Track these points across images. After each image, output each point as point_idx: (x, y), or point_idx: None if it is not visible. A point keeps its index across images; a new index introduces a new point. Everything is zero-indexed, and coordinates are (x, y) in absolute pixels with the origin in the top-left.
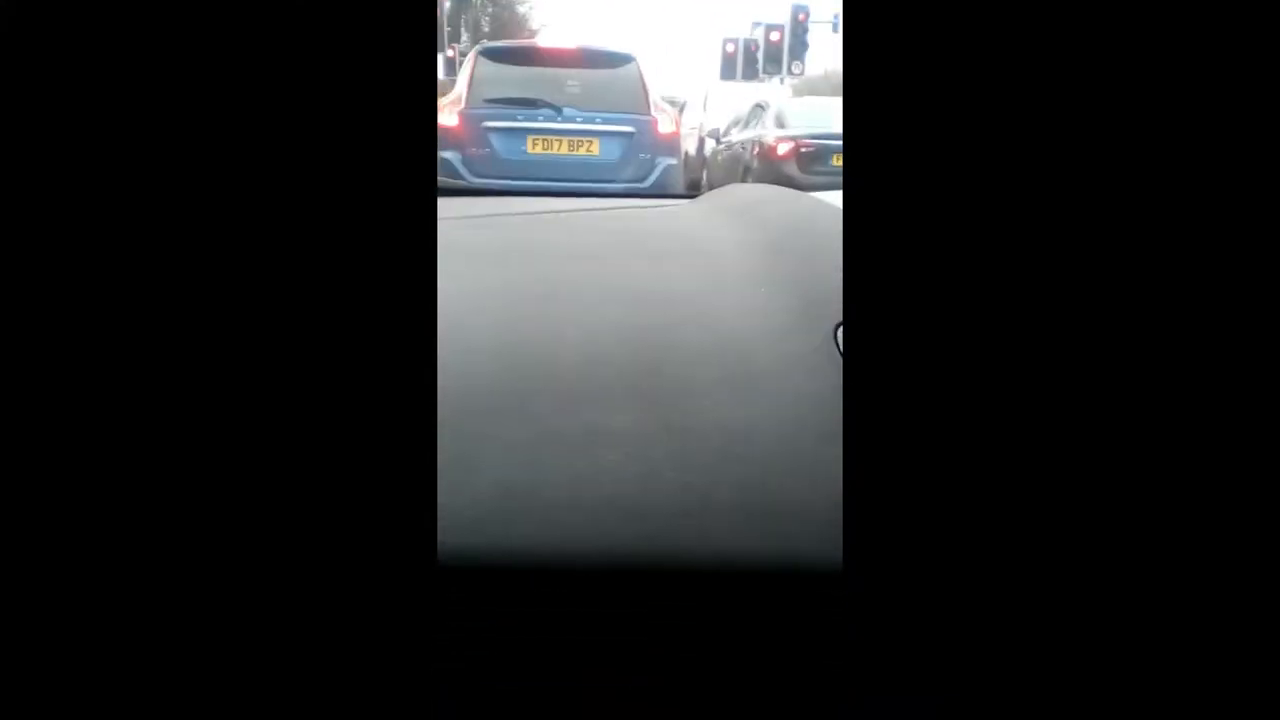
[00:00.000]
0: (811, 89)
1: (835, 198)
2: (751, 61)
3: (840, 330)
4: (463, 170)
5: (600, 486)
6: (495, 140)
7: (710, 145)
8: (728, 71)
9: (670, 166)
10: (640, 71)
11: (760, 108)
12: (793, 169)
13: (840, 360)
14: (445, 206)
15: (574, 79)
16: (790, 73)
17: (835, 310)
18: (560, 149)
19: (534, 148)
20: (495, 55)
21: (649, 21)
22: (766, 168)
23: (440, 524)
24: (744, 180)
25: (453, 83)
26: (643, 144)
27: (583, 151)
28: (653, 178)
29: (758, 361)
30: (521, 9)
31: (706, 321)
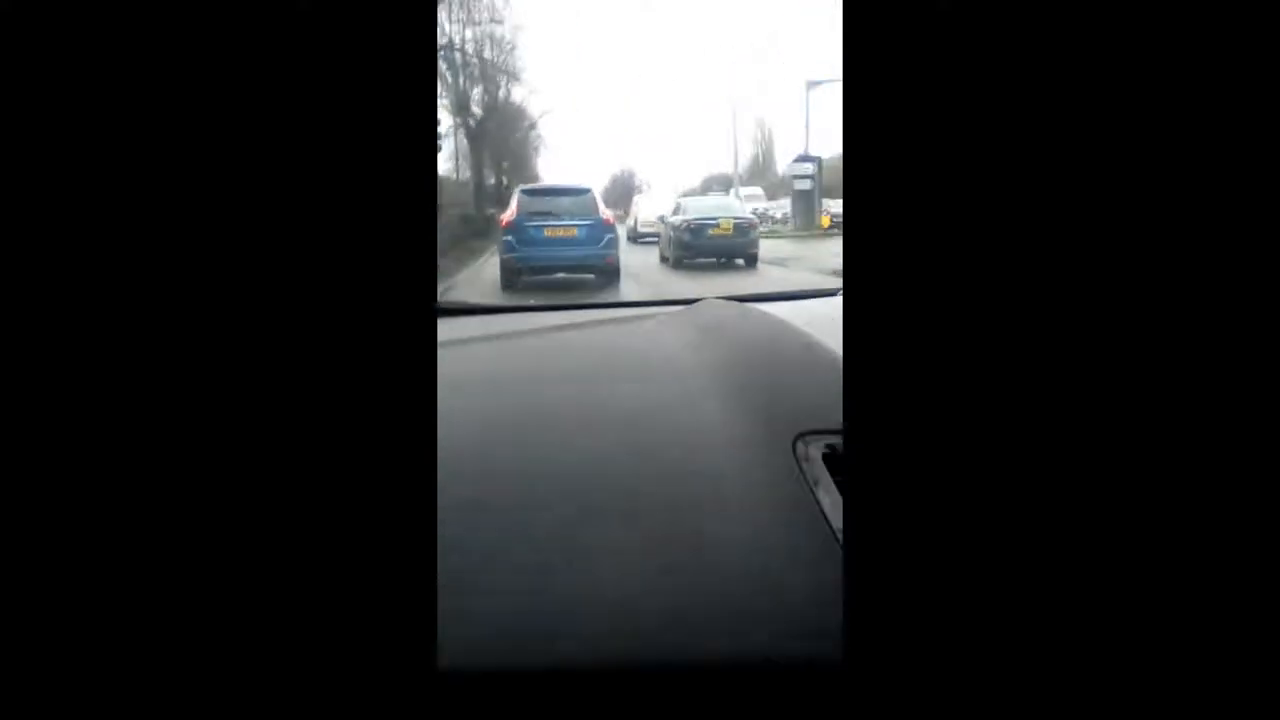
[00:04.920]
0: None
1: (784, 309)
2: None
3: (798, 442)
4: (514, 241)
5: (591, 600)
6: (529, 229)
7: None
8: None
9: (612, 238)
10: (594, 195)
11: (678, 204)
12: (686, 236)
13: (796, 471)
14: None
15: (564, 199)
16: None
17: (793, 422)
18: (559, 233)
19: (548, 233)
20: (526, 191)
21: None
22: (670, 235)
23: (439, 640)
24: (668, 246)
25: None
26: (598, 228)
27: (569, 234)
28: (603, 243)
29: (730, 477)
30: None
31: (682, 440)
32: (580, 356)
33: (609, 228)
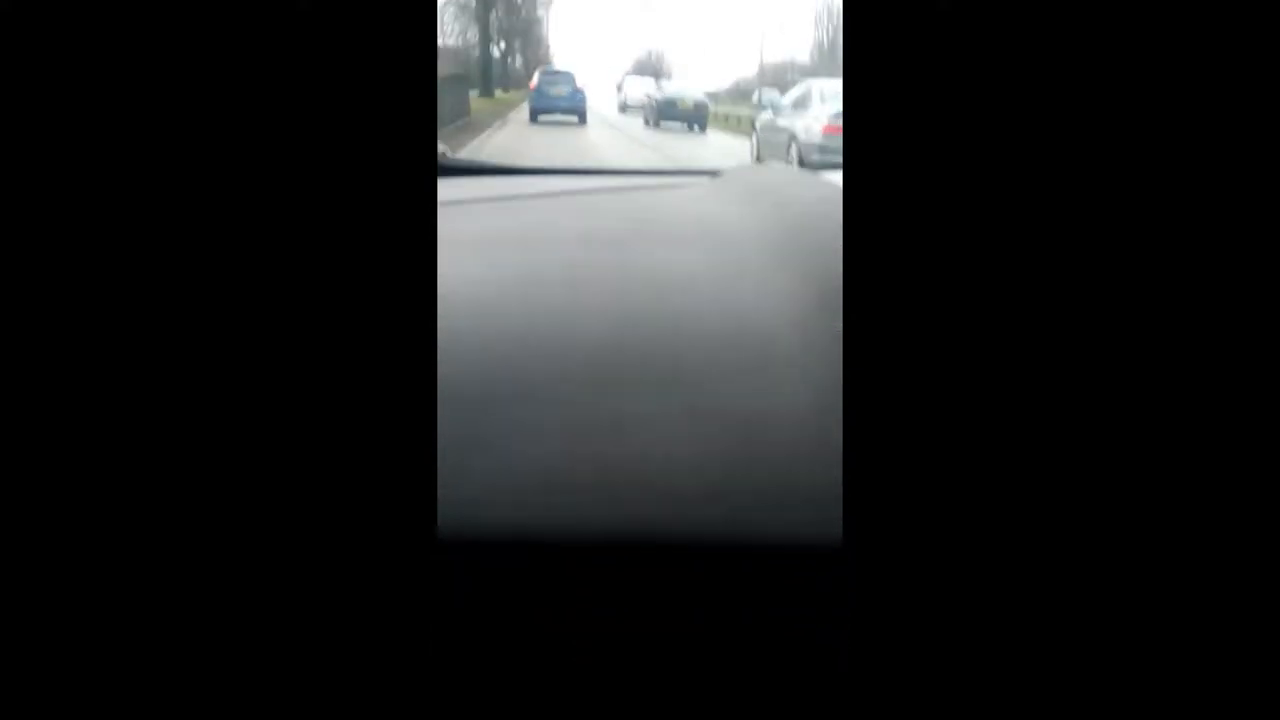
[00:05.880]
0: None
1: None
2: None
3: None
4: (535, 95)
5: (622, 470)
6: (543, 89)
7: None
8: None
9: (583, 96)
10: (573, 74)
11: (661, 85)
12: (664, 106)
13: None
14: (464, 187)
15: (559, 75)
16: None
17: None
18: (556, 92)
19: (553, 92)
20: (542, 72)
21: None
22: (652, 106)
23: (458, 505)
24: (650, 113)
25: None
26: (576, 92)
27: (562, 93)
28: (578, 99)
29: (777, 348)
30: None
31: (727, 308)
32: (618, 219)
33: (581, 91)
